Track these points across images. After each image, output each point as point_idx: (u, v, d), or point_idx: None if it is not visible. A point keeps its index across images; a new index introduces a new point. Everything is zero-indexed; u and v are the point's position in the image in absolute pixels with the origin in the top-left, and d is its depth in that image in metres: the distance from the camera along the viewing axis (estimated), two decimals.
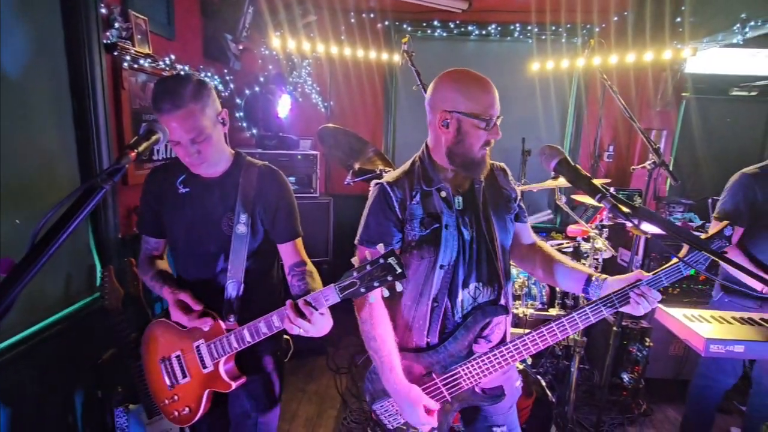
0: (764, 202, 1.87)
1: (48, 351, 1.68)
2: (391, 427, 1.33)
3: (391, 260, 1.04)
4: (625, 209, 1.01)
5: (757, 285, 1.73)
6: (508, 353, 1.21)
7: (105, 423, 1.85)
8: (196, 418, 1.39)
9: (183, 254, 1.43)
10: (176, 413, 1.42)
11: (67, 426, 1.80)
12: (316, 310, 1.15)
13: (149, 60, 2.21)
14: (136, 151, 0.86)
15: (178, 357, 1.40)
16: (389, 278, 1.05)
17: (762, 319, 1.68)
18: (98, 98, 1.87)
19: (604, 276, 1.27)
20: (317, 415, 2.62)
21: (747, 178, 1.91)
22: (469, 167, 1.23)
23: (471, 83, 1.18)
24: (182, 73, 2.43)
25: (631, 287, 1.16)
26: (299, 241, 1.45)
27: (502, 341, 1.32)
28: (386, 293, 1.07)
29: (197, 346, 1.36)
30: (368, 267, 1.06)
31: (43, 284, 1.73)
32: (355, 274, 1.08)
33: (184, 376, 1.40)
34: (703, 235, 1.16)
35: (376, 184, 1.29)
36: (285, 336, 1.51)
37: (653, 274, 1.18)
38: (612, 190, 1.08)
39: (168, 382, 1.42)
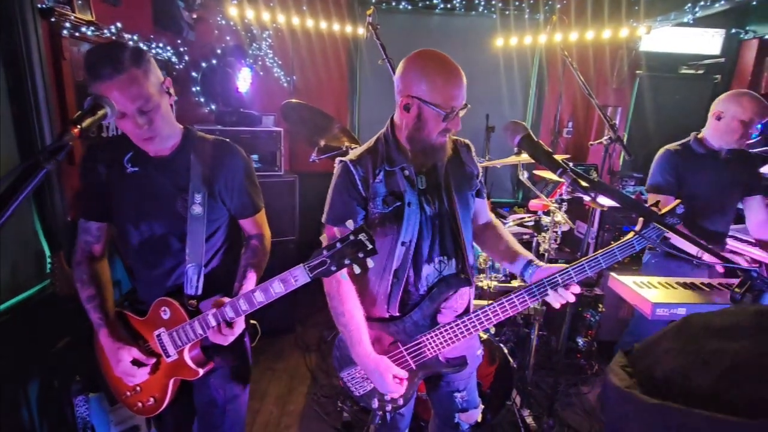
0: (685, 175, 2.06)
1: None
2: (358, 394, 1.37)
3: (362, 236, 1.03)
4: (584, 183, 1.05)
5: (692, 250, 1.89)
6: (470, 323, 1.26)
7: (63, 413, 1.78)
8: (162, 408, 1.34)
9: (134, 239, 1.32)
10: (140, 404, 1.37)
11: (21, 419, 1.72)
12: (231, 327, 1.21)
13: (92, 28, 2.04)
14: (79, 127, 0.79)
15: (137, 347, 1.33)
16: (360, 255, 1.04)
17: (702, 283, 1.83)
18: (36, 70, 1.72)
19: (540, 263, 1.31)
20: (287, 392, 2.64)
21: (671, 153, 2.10)
22: (427, 153, 1.25)
23: (437, 71, 1.16)
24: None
25: (562, 273, 1.19)
26: (259, 215, 1.41)
27: (465, 312, 1.37)
28: (357, 270, 1.06)
29: (158, 335, 1.30)
30: (338, 245, 1.05)
31: None
32: (325, 252, 1.06)
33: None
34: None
35: (340, 162, 1.29)
36: (252, 321, 1.47)
37: (607, 249, 1.20)
38: (571, 165, 1.12)
39: None
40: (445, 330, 1.27)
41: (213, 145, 1.32)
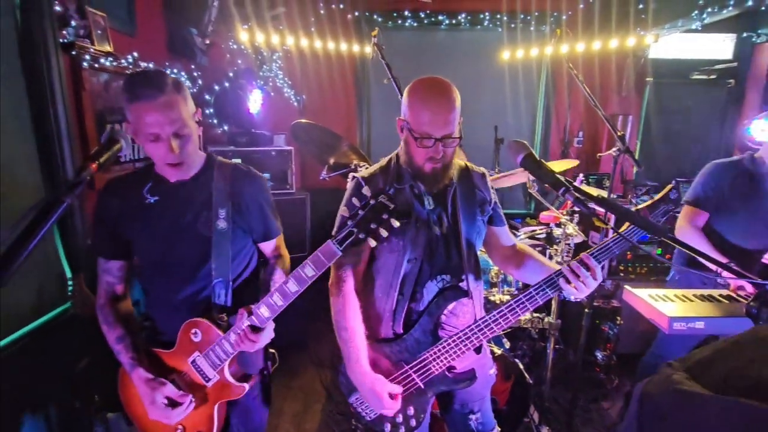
0: (731, 192, 1.97)
1: (20, 364, 1.63)
2: (369, 419, 1.35)
3: (382, 198, 1.01)
4: (587, 201, 1.05)
5: (712, 267, 1.83)
6: (472, 334, 1.24)
7: None
8: None
9: (159, 267, 1.30)
10: None
11: None
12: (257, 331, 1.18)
13: (110, 58, 2.13)
14: (97, 162, 0.83)
15: (173, 382, 1.26)
16: (385, 216, 1.01)
17: (721, 295, 1.78)
18: (58, 101, 1.80)
19: None
20: (303, 411, 2.64)
21: (720, 167, 2.01)
22: (417, 177, 1.27)
23: (421, 97, 1.19)
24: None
25: (568, 263, 1.17)
26: (279, 238, 1.43)
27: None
28: (385, 233, 1.04)
29: (193, 361, 1.26)
30: (360, 212, 1.03)
31: (13, 296, 1.66)
32: (350, 222, 1.04)
33: None
34: (649, 201, 1.21)
35: (353, 177, 1.34)
36: (271, 350, 1.45)
37: (602, 244, 1.20)
38: (581, 175, 1.12)
39: None
40: (448, 344, 1.26)
41: (234, 170, 1.35)
